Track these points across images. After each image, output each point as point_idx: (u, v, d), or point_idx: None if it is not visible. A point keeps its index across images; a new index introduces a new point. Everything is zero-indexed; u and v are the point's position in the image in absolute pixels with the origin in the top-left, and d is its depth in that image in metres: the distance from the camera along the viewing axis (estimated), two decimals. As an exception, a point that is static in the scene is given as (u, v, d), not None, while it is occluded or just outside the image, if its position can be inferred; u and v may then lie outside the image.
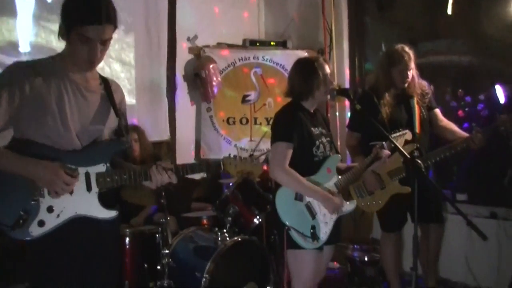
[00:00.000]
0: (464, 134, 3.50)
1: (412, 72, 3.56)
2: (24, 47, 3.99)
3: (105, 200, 2.15)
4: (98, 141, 2.20)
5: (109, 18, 2.06)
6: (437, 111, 3.74)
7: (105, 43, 2.10)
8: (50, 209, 2.05)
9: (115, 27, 2.12)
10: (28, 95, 2.02)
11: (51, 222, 2.05)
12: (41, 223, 2.03)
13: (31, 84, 2.03)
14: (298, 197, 2.70)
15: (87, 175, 2.10)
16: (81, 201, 2.09)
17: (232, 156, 2.35)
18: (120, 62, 4.76)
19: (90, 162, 2.12)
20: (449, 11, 4.44)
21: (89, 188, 2.11)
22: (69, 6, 2.06)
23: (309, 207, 2.71)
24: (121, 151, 2.26)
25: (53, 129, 2.07)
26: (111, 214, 2.16)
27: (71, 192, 2.08)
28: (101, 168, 2.13)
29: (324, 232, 2.71)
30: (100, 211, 2.13)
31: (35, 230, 2.02)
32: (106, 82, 2.28)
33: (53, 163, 2.02)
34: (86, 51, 2.06)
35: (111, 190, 2.18)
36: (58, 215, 2.06)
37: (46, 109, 2.05)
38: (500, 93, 4.11)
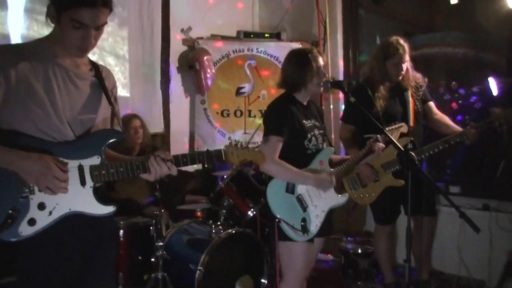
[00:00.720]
0: (458, 128, 3.51)
1: (407, 65, 3.56)
2: (16, 40, 3.96)
3: (101, 195, 1.99)
4: (91, 131, 2.03)
5: (105, 1, 1.91)
6: (431, 104, 3.74)
7: (99, 28, 1.94)
8: (41, 206, 1.87)
9: (111, 10, 1.96)
10: (13, 82, 1.86)
11: (43, 220, 1.87)
12: (32, 222, 1.85)
13: (17, 70, 1.87)
14: (289, 190, 2.70)
15: (81, 168, 1.93)
16: (75, 197, 1.91)
17: (233, 144, 2.16)
18: (114, 56, 4.73)
19: (83, 154, 1.94)
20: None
21: (83, 183, 1.93)
22: None
23: (300, 200, 2.71)
24: (116, 142, 2.05)
25: (43, 119, 1.90)
26: (108, 210, 1.99)
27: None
28: (95, 160, 1.95)
29: (315, 225, 2.72)
30: (96, 207, 1.96)
31: (25, 230, 1.85)
32: (96, 68, 2.12)
33: (44, 156, 1.84)
34: (79, 37, 1.91)
35: (106, 184, 2.05)
36: (51, 213, 1.88)
37: (34, 96, 1.88)
38: (493, 85, 4.12)
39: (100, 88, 2.08)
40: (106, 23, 1.96)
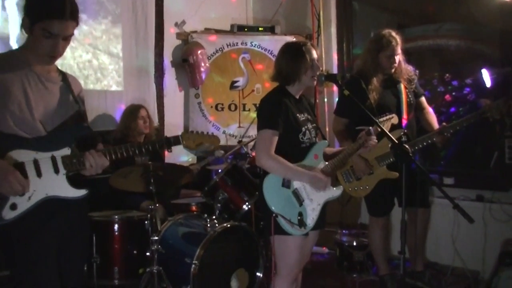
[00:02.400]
0: (436, 127, 3.56)
1: (399, 57, 3.57)
2: (15, 40, 3.97)
3: (75, 181, 2.26)
4: (61, 126, 2.31)
5: (73, 15, 2.19)
6: (423, 99, 3.77)
7: (67, 38, 2.22)
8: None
9: (77, 24, 2.25)
10: None
11: (23, 205, 2.13)
12: (13, 207, 2.11)
13: None
14: (285, 184, 2.69)
15: (53, 159, 2.20)
16: (51, 183, 2.19)
17: (189, 131, 2.59)
18: (108, 54, 4.71)
19: (55, 146, 2.23)
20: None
21: (56, 171, 2.20)
22: (34, 0, 2.19)
23: (296, 194, 2.70)
24: (83, 135, 2.36)
25: (19, 119, 2.16)
26: (80, 193, 2.27)
27: (40, 176, 2.17)
28: (66, 151, 2.24)
29: (311, 218, 2.72)
30: (70, 191, 2.24)
31: (8, 214, 2.10)
32: (63, 74, 2.40)
33: (6, 167, 2.06)
34: (49, 46, 2.18)
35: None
36: (30, 198, 2.14)
37: (11, 98, 2.14)
38: (486, 77, 4.13)
39: (68, 90, 2.36)
40: (73, 34, 2.24)
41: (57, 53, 2.23)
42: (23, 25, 2.19)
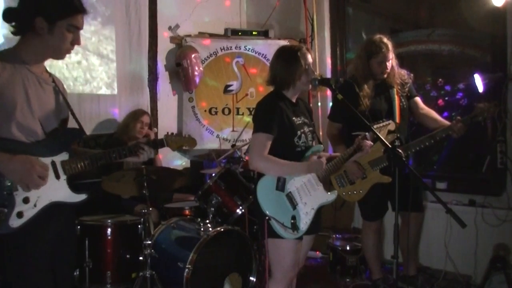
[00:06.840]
0: (445, 122, 3.52)
1: (392, 62, 3.57)
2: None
3: (73, 185, 2.29)
4: (58, 131, 2.32)
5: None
6: (418, 99, 3.75)
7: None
8: (26, 200, 2.13)
9: None
10: None
11: (29, 212, 2.14)
12: (20, 215, 2.11)
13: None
14: (279, 187, 2.69)
15: (53, 164, 2.23)
16: (53, 189, 2.21)
17: (170, 133, 2.74)
18: (97, 55, 4.69)
19: (53, 152, 2.24)
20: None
21: (57, 176, 2.23)
22: (54, 1, 2.19)
23: (290, 197, 2.70)
24: (79, 139, 2.44)
25: (20, 121, 2.14)
26: (81, 197, 2.31)
27: None
28: (65, 156, 2.27)
29: (304, 222, 2.72)
30: (72, 196, 2.28)
31: (15, 222, 2.10)
32: (51, 75, 2.40)
33: (28, 156, 2.11)
34: (74, 39, 2.23)
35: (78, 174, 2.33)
36: (35, 205, 2.16)
37: (14, 103, 2.12)
38: (478, 82, 4.15)
39: (59, 92, 2.37)
40: None
41: (79, 43, 2.29)
42: (37, 26, 2.14)
